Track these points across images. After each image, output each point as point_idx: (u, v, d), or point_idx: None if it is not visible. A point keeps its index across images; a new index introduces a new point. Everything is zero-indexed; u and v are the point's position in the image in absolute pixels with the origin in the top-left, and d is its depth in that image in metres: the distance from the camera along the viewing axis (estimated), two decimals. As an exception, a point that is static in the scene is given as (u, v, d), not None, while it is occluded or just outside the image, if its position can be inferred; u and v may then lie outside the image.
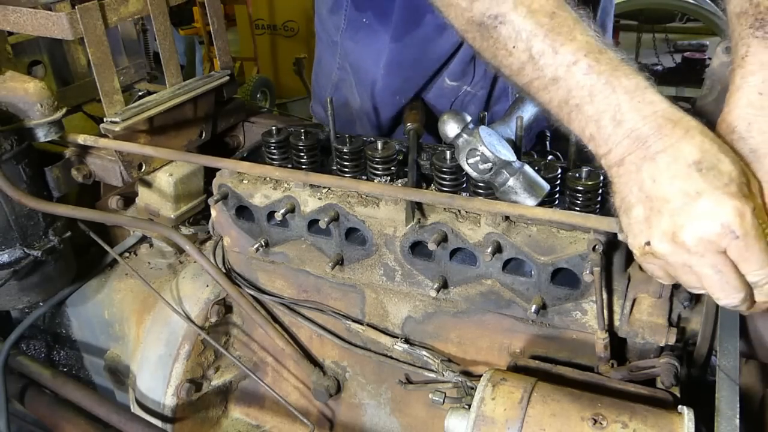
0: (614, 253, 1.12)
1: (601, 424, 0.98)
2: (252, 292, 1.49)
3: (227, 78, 1.66)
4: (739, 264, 0.88)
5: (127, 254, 1.77)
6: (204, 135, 1.67)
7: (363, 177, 1.35)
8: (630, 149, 0.91)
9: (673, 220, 0.88)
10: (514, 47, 0.99)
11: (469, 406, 1.06)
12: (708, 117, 1.06)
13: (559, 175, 1.23)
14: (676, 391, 1.10)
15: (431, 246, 1.18)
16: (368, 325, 1.41)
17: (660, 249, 0.91)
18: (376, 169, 1.32)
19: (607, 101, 0.92)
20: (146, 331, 1.62)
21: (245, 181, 1.39)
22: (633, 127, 0.90)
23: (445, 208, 1.24)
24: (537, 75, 0.98)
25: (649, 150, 0.89)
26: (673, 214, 0.88)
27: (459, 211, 1.22)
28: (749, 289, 0.91)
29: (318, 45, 1.97)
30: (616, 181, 0.95)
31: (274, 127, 1.42)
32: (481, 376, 1.11)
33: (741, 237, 0.85)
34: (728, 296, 0.91)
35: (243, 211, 1.42)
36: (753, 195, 0.88)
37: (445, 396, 1.23)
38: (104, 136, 1.42)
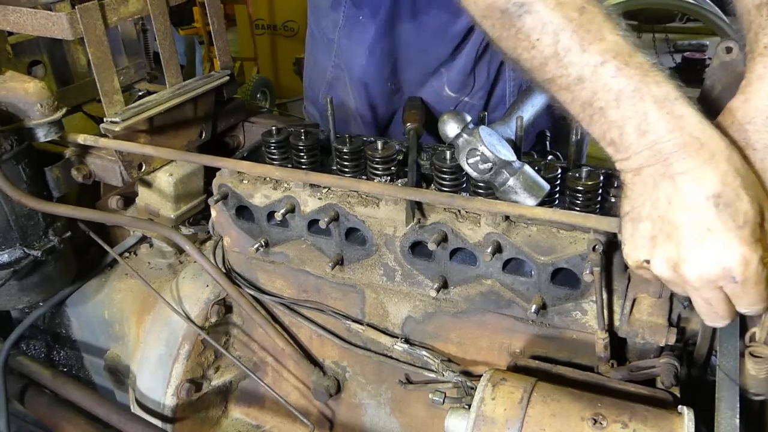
0: (614, 253, 1.12)
1: (601, 424, 0.98)
2: (252, 292, 1.48)
3: (227, 78, 1.65)
4: (733, 299, 0.89)
5: (127, 254, 1.77)
6: (204, 135, 1.67)
7: (363, 177, 1.35)
8: (650, 161, 0.88)
9: (678, 249, 0.87)
10: (538, 40, 0.92)
11: (469, 406, 1.06)
12: (708, 116, 1.06)
13: (559, 175, 1.23)
14: (676, 391, 1.10)
15: (431, 246, 1.18)
16: (368, 325, 1.41)
17: (658, 271, 0.91)
18: (376, 169, 1.32)
19: (634, 108, 0.87)
20: (146, 331, 1.62)
21: (245, 181, 1.39)
22: (657, 139, 0.86)
23: (445, 208, 1.24)
24: (561, 73, 0.92)
25: (669, 168, 0.86)
26: (680, 244, 0.86)
27: (459, 211, 1.22)
28: (736, 315, 0.92)
29: (310, 45, 1.98)
30: (629, 188, 0.92)
31: (274, 127, 1.42)
32: (481, 376, 1.11)
33: (740, 283, 0.85)
34: (713, 321, 0.94)
35: (243, 211, 1.42)
36: (765, 235, 0.86)
37: (445, 396, 1.23)
38: (104, 136, 1.42)
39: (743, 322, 1.09)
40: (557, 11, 0.91)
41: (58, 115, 1.43)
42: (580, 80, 0.91)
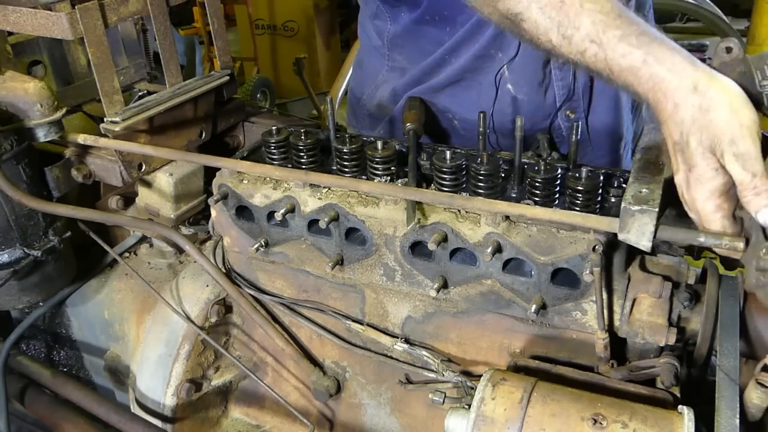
0: (614, 253, 1.12)
1: (601, 424, 0.98)
2: (252, 292, 1.48)
3: (227, 78, 1.65)
4: None
5: (127, 254, 1.77)
6: (204, 135, 1.67)
7: (363, 177, 1.35)
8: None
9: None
10: (539, 39, 1.16)
11: (469, 406, 1.06)
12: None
13: (559, 175, 1.23)
14: (676, 391, 1.10)
15: (431, 246, 1.18)
16: (368, 325, 1.41)
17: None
18: (376, 168, 1.32)
19: None
20: (146, 331, 1.62)
21: (245, 181, 1.39)
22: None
23: (445, 208, 1.24)
24: (564, 59, 1.15)
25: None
26: None
27: (459, 211, 1.22)
28: None
29: (360, 51, 2.00)
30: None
31: (274, 127, 1.42)
32: (481, 376, 1.11)
33: None
34: None
35: (243, 211, 1.42)
36: None
37: (445, 396, 1.23)
38: (104, 136, 1.42)
39: (743, 322, 1.09)
40: (541, 15, 1.13)
41: (58, 115, 1.43)
42: (576, 63, 1.13)
